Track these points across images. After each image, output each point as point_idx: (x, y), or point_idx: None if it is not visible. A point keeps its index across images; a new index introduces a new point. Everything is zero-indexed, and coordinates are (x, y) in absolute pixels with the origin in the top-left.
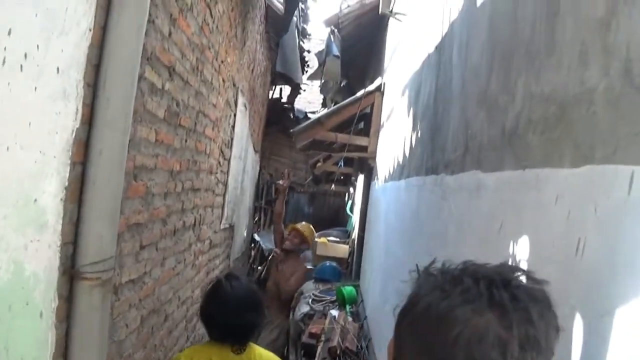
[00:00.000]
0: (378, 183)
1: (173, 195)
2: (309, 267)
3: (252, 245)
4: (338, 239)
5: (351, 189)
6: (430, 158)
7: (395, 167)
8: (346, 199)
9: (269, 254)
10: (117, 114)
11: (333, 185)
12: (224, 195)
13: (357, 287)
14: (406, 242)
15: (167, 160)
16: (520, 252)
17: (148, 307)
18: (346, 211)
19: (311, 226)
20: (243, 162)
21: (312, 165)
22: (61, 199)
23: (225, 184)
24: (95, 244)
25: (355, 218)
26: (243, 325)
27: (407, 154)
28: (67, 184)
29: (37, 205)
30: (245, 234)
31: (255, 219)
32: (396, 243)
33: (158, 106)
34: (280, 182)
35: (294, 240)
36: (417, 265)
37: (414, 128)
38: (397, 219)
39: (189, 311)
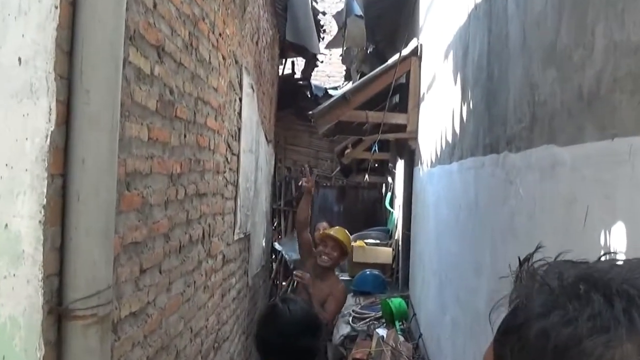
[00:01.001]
0: (423, 169)
1: (175, 204)
2: (343, 278)
3: (273, 256)
4: (378, 241)
5: (389, 179)
6: (487, 133)
7: (443, 147)
8: (384, 191)
9: (294, 266)
10: (100, 109)
11: (366, 176)
12: (235, 199)
13: (406, 298)
14: (464, 239)
15: (164, 161)
16: (616, 244)
17: (155, 345)
18: (385, 206)
19: (345, 230)
20: (255, 156)
21: (339, 153)
22: (39, 222)
23: (236, 185)
24: (86, 273)
25: (397, 213)
26: (302, 351)
27: (457, 131)
28: (45, 202)
29: (8, 232)
30: (264, 244)
31: (274, 225)
32: (451, 240)
33: (148, 96)
34: (304, 181)
35: (332, 254)
36: (510, 265)
37: (464, 97)
38: (450, 211)
39: (204, 344)
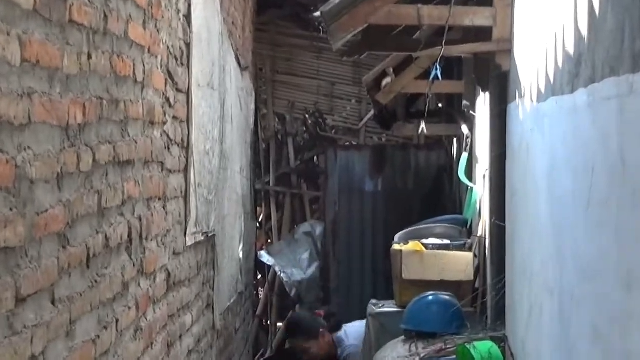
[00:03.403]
0: (524, 107)
1: (76, 180)
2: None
3: (259, 276)
4: (448, 241)
5: (464, 129)
6: None
7: (559, 64)
8: (454, 152)
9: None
10: None
11: (423, 126)
12: (185, 172)
13: (501, 342)
14: (603, 228)
15: (52, 102)
16: None
17: None
18: (458, 179)
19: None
20: (219, 96)
21: (372, 85)
22: None
23: (186, 147)
24: None
25: (481, 191)
26: None
27: (584, 31)
28: None
29: None
30: (241, 254)
31: (259, 219)
32: (579, 233)
33: None
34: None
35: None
36: None
37: None
38: (576, 181)
39: None
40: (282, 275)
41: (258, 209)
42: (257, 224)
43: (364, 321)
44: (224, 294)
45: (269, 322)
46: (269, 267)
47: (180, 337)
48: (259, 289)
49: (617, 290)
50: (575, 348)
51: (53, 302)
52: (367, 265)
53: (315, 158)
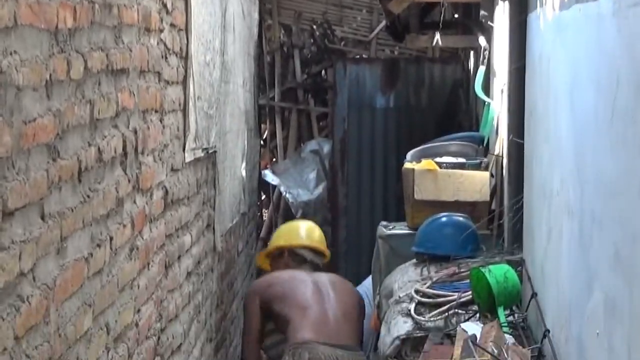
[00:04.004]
0: (545, 15)
1: (66, 88)
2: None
3: (263, 197)
4: (463, 160)
5: (481, 41)
6: None
7: None
8: (471, 65)
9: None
10: None
11: (437, 37)
12: (184, 84)
13: (518, 265)
14: (627, 146)
15: (41, 4)
16: None
17: (38, 355)
18: (474, 93)
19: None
20: (221, 4)
21: None
22: None
23: (185, 57)
24: None
25: (499, 107)
26: None
27: None
28: None
29: None
30: (243, 172)
31: (264, 136)
32: (602, 151)
33: None
34: None
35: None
36: None
37: None
38: (599, 95)
39: (135, 358)
40: (287, 195)
41: (262, 125)
42: (261, 142)
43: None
44: (226, 215)
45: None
46: (274, 187)
47: (179, 258)
48: (263, 210)
49: None
50: (595, 273)
51: (42, 217)
52: (377, 185)
53: (323, 72)
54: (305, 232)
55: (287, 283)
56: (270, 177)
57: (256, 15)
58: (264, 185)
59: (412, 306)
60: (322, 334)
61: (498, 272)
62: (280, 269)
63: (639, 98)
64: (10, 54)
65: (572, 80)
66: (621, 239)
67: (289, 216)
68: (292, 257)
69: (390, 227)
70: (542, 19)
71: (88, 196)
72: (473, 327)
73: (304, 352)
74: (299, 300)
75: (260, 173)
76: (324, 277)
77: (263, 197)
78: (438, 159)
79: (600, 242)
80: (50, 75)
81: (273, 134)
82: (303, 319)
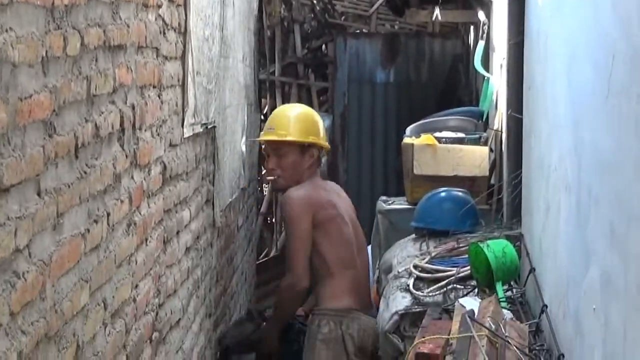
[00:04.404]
0: None
1: (63, 64)
2: (397, 207)
3: (264, 172)
4: (462, 135)
5: (481, 16)
6: None
7: None
8: (471, 40)
9: None
10: None
11: (437, 12)
12: (182, 59)
13: (516, 240)
14: (623, 120)
15: None
16: None
17: (34, 331)
18: (473, 68)
19: (294, 107)
20: None
21: None
22: None
23: (184, 32)
24: None
25: (498, 82)
26: None
27: None
28: None
29: None
30: (243, 147)
31: (265, 110)
32: (599, 126)
33: None
34: None
35: (277, 164)
36: None
37: None
38: (596, 70)
39: (131, 333)
40: None
41: (262, 100)
42: (262, 116)
43: None
44: (225, 190)
45: (273, 220)
46: None
47: (178, 233)
48: (263, 185)
49: (636, 186)
50: (592, 249)
51: (39, 194)
52: (377, 160)
53: (324, 46)
54: (319, 124)
55: (334, 217)
56: None
57: None
58: (264, 160)
59: (410, 281)
60: (361, 302)
61: (496, 248)
62: (300, 167)
63: (634, 75)
64: (6, 30)
65: (570, 57)
66: (617, 216)
67: None
68: (318, 162)
69: (390, 202)
70: None
71: (85, 172)
72: (471, 302)
73: (353, 323)
74: (343, 252)
75: (260, 147)
76: (349, 207)
77: (263, 171)
78: (437, 134)
79: (597, 218)
80: (47, 52)
81: (273, 109)
82: (343, 279)
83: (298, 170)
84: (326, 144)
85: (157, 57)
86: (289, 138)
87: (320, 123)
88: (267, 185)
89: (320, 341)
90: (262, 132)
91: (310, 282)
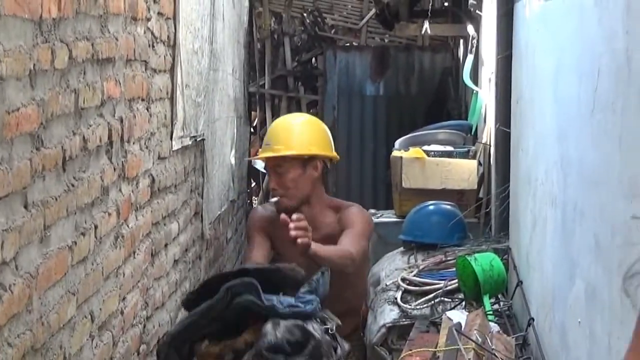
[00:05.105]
0: (530, 4)
1: (51, 78)
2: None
3: (253, 184)
4: (451, 148)
5: (470, 30)
6: None
7: None
8: (460, 54)
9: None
10: None
11: (427, 25)
12: (172, 72)
13: (504, 254)
14: (606, 135)
15: None
16: None
17: (20, 343)
18: (462, 82)
19: (314, 120)
20: None
21: None
22: None
23: (173, 45)
24: None
25: (487, 95)
26: None
27: None
28: None
29: None
30: (232, 160)
31: (253, 124)
32: (584, 140)
33: None
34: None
35: (284, 184)
36: None
37: None
38: (581, 84)
39: (119, 346)
40: None
41: (252, 113)
42: (251, 129)
43: None
44: (214, 202)
45: None
46: (264, 174)
47: (166, 246)
48: (253, 197)
49: (620, 202)
50: (577, 262)
51: (26, 206)
52: (366, 173)
53: (314, 59)
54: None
55: None
56: (260, 164)
57: (246, 3)
58: (253, 173)
59: (398, 294)
60: None
61: (484, 261)
62: (303, 184)
63: (619, 89)
64: None
65: (556, 71)
66: (601, 230)
67: None
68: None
69: (379, 215)
70: (528, 8)
71: (72, 185)
72: (458, 316)
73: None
74: None
75: (249, 160)
76: None
77: (253, 184)
78: (426, 147)
79: (582, 232)
80: (34, 65)
81: (263, 122)
82: None
83: (301, 187)
84: (332, 153)
85: (145, 70)
86: (283, 153)
87: (324, 131)
88: (256, 199)
89: None
90: (260, 149)
91: None
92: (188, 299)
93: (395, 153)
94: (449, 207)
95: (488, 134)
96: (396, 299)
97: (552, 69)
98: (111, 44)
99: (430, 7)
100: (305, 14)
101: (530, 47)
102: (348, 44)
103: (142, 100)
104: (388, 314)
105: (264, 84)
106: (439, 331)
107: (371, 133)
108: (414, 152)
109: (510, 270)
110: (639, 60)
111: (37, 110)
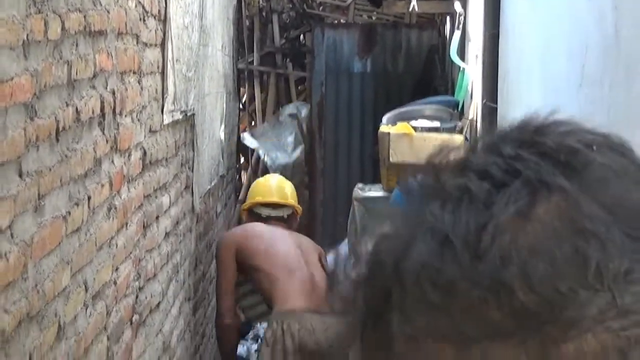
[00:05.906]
0: None
1: (44, 49)
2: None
3: (242, 160)
4: (438, 124)
5: (456, 6)
6: None
7: None
8: (447, 31)
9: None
10: None
11: (414, 2)
12: (162, 46)
13: None
14: (596, 109)
15: None
16: None
17: (16, 310)
18: (449, 59)
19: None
20: None
21: None
22: None
23: (164, 19)
24: None
25: (473, 72)
26: None
27: None
28: None
29: None
30: (222, 135)
31: (243, 100)
32: (572, 114)
33: None
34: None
35: None
36: None
37: None
38: (570, 61)
39: (112, 315)
40: (265, 158)
41: (241, 89)
42: (240, 105)
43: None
44: (204, 177)
45: None
46: (252, 150)
47: (157, 218)
48: (242, 172)
49: None
50: None
51: (20, 175)
52: (354, 148)
53: (302, 37)
54: (261, 188)
55: (268, 238)
56: (248, 140)
57: None
58: (242, 148)
59: None
60: (310, 301)
61: None
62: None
63: (606, 64)
64: None
65: (544, 47)
66: None
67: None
68: (252, 216)
69: (366, 190)
70: None
71: (66, 155)
72: None
73: (294, 323)
74: (283, 260)
75: (239, 136)
76: (301, 238)
77: (242, 159)
78: (413, 123)
79: None
80: (28, 35)
81: (252, 98)
82: (288, 282)
83: None
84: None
85: (137, 43)
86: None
87: (258, 186)
88: (245, 173)
89: (264, 343)
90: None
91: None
92: None
93: (382, 128)
94: None
95: (475, 109)
96: None
97: (540, 46)
98: (103, 16)
99: None
100: None
101: (518, 24)
102: (336, 22)
103: (134, 73)
104: None
105: (253, 60)
106: None
107: (358, 109)
108: (402, 127)
109: None
110: (628, 35)
111: (30, 80)
